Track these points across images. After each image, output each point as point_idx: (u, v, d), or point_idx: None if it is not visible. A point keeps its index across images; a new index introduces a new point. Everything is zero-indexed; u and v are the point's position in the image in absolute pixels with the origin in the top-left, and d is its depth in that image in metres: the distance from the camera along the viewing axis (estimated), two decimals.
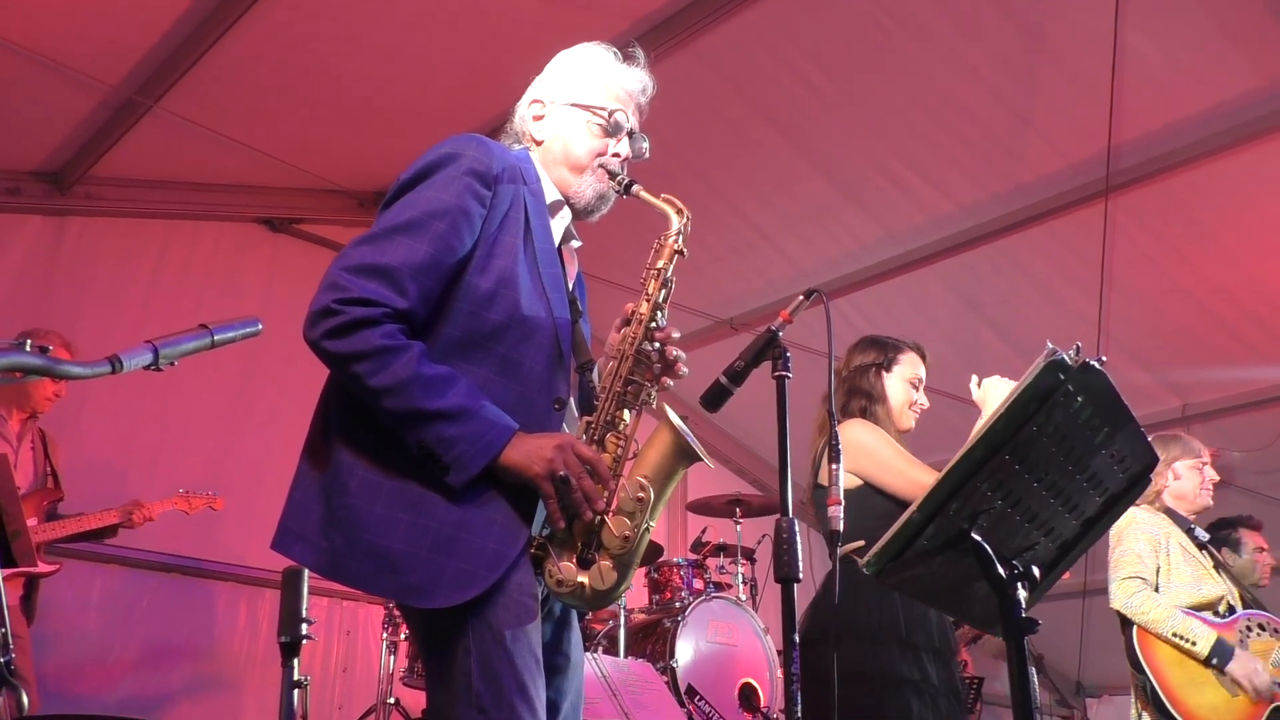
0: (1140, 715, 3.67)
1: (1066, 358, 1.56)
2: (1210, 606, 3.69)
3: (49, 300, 5.15)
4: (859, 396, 3.13)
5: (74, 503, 4.28)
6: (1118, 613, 3.73)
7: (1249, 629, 3.64)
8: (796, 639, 2.02)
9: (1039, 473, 1.64)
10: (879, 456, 2.96)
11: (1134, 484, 1.79)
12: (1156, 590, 3.71)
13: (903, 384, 3.14)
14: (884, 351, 3.18)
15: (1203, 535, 3.88)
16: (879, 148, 5.19)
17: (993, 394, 2.79)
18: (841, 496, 2.14)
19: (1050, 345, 1.56)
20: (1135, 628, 3.65)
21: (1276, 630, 3.64)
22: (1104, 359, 1.61)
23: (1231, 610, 3.71)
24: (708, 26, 4.52)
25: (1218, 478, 4.02)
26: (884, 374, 3.15)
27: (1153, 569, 3.73)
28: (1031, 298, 5.83)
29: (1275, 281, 5.38)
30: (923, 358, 3.22)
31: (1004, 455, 1.59)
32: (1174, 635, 3.57)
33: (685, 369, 1.95)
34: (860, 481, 2.97)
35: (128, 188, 5.40)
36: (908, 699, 2.79)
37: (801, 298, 2.32)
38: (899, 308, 6.12)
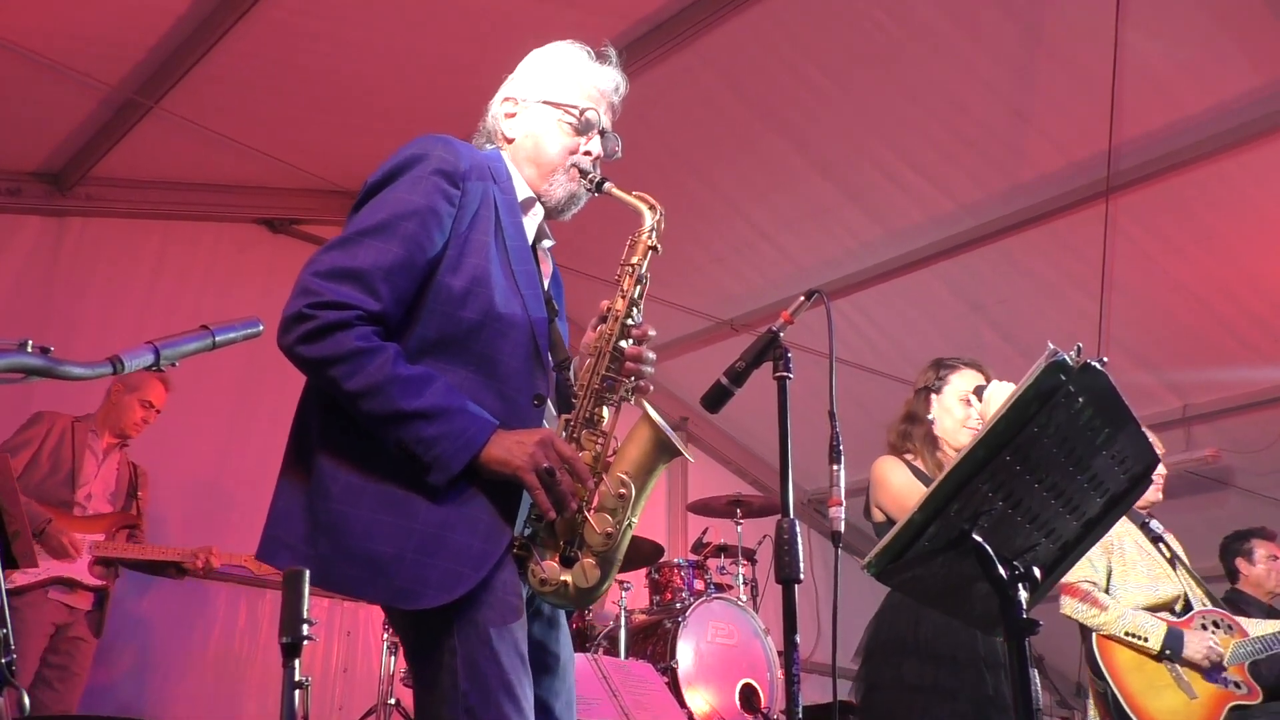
0: None
1: (1068, 358, 1.56)
2: (1167, 606, 3.68)
3: (49, 300, 5.14)
4: (906, 420, 3.22)
5: None
6: (1076, 620, 3.73)
7: (1204, 626, 3.63)
8: (797, 639, 2.02)
9: (1040, 473, 1.64)
10: (888, 491, 3.07)
11: (1135, 484, 1.79)
12: (1108, 593, 3.69)
13: (956, 403, 3.15)
14: (936, 372, 3.22)
15: (1157, 527, 3.84)
16: (880, 147, 5.19)
17: (996, 400, 2.80)
18: (843, 497, 2.14)
19: (1051, 346, 1.55)
20: (1094, 634, 3.65)
21: (1231, 627, 3.63)
22: (1105, 360, 1.61)
23: (1188, 608, 3.69)
24: (708, 26, 4.53)
25: (1164, 470, 3.97)
26: (933, 396, 3.19)
27: (1104, 572, 3.71)
28: (1032, 298, 5.83)
29: (1276, 281, 5.38)
30: (982, 371, 3.20)
31: (1005, 456, 1.59)
32: (1126, 634, 3.56)
33: (651, 385, 1.95)
34: (885, 517, 3.08)
35: (128, 188, 5.41)
36: (913, 704, 2.84)
37: (803, 298, 2.33)
38: (900, 308, 6.12)
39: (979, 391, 2.99)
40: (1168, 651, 3.52)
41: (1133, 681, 3.56)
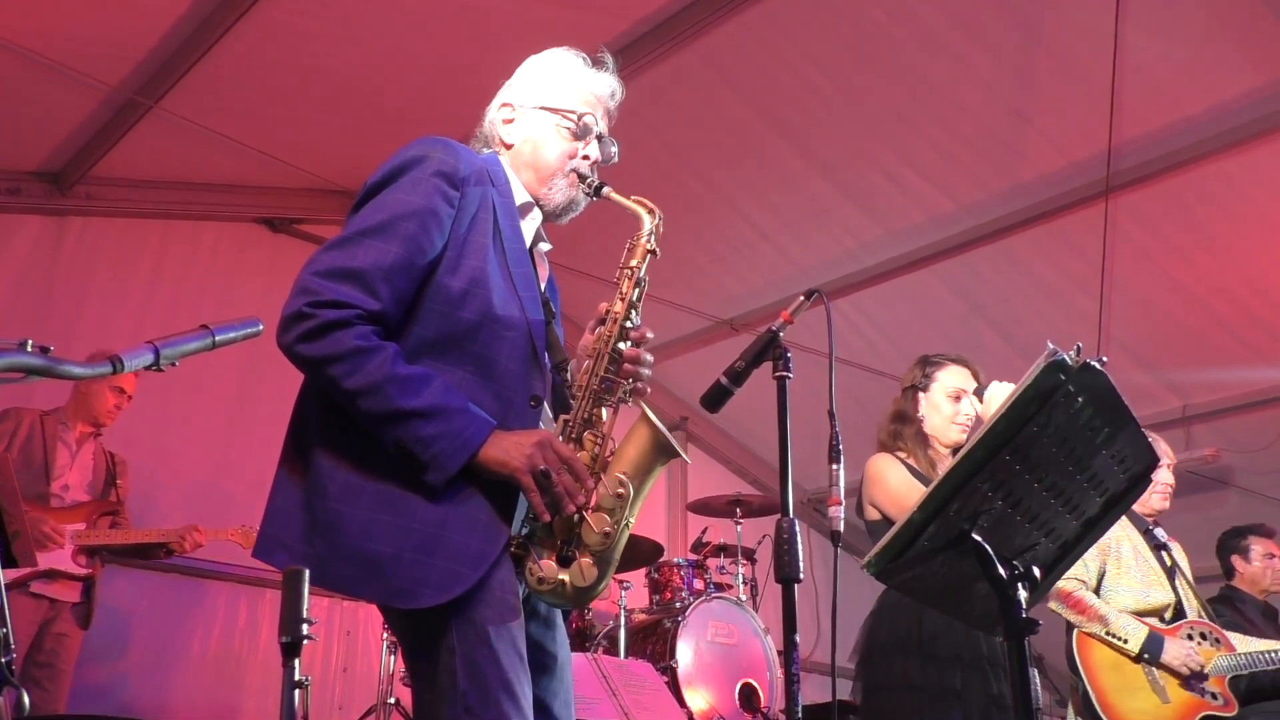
0: None
1: (1067, 358, 1.55)
2: (1156, 613, 3.68)
3: (49, 300, 5.15)
4: (895, 420, 3.23)
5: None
6: (1061, 616, 3.75)
7: (1189, 637, 3.64)
8: (797, 639, 2.02)
9: (1040, 473, 1.64)
10: (885, 489, 3.07)
11: (1135, 484, 1.79)
12: (1097, 593, 3.70)
13: (944, 400, 3.17)
14: (923, 369, 3.24)
15: (1161, 536, 3.85)
16: (880, 147, 5.19)
17: (996, 400, 2.81)
18: (842, 497, 2.15)
19: (1051, 346, 1.55)
20: (1075, 631, 3.65)
21: (1218, 640, 3.64)
22: (1105, 359, 1.61)
23: (1179, 617, 3.69)
24: (708, 26, 4.53)
25: (1173, 481, 4.00)
26: (921, 394, 3.21)
27: (1095, 572, 3.71)
28: (1032, 298, 5.83)
29: (1276, 281, 5.38)
30: (970, 369, 3.22)
31: (1005, 456, 1.59)
32: (1107, 634, 3.57)
33: (649, 388, 1.96)
34: (880, 515, 3.09)
35: (128, 188, 5.41)
36: (920, 704, 2.85)
37: (802, 298, 2.33)
38: (899, 308, 6.12)
39: (979, 392, 2.99)
40: (1145, 655, 3.52)
41: (1107, 680, 3.56)
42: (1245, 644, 3.65)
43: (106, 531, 4.18)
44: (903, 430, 3.19)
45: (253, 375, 5.30)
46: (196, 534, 4.26)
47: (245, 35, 4.36)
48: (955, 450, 3.19)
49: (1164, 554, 3.81)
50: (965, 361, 3.24)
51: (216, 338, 1.65)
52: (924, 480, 3.04)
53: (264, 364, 5.22)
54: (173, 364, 1.57)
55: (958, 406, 3.15)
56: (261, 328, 1.73)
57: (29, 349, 1.40)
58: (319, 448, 1.76)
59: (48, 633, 4.09)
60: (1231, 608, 4.64)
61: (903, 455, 3.17)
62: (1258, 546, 4.85)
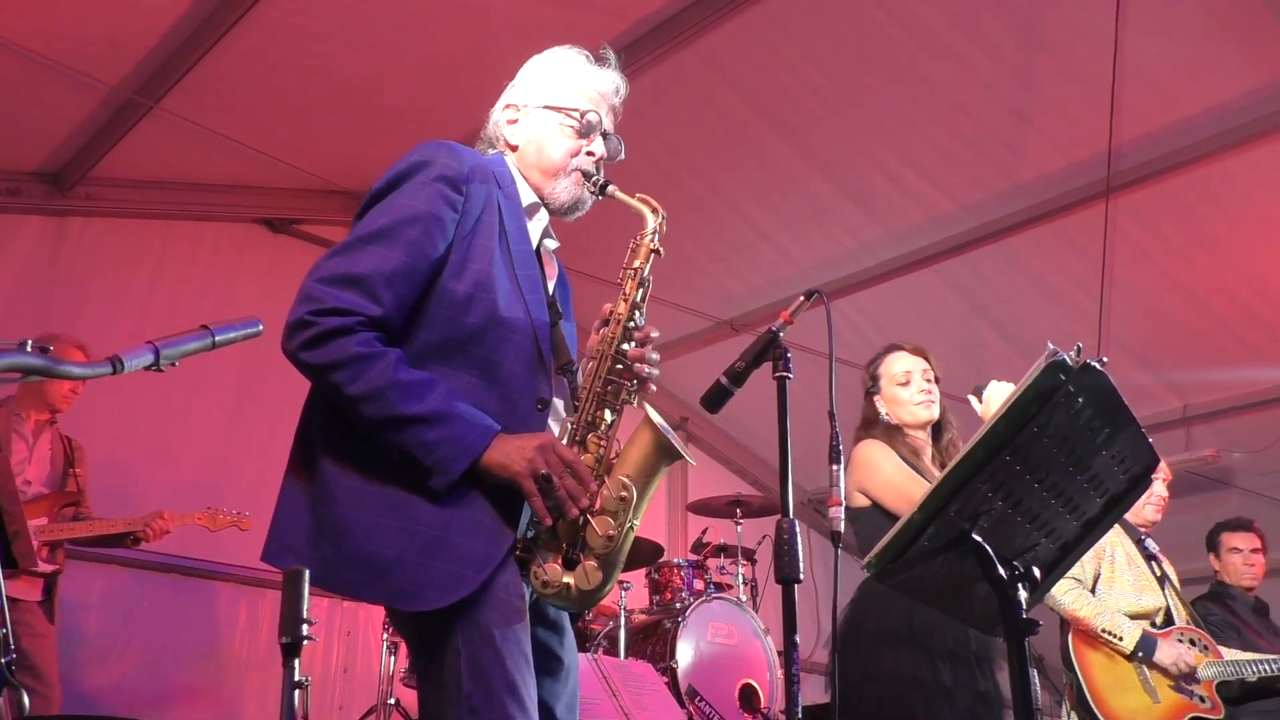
0: (1069, 715, 3.74)
1: (1068, 358, 1.55)
2: (1147, 617, 3.77)
3: (49, 300, 5.14)
4: (864, 426, 3.29)
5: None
6: (1057, 614, 3.79)
7: (1179, 642, 3.73)
8: (797, 639, 2.02)
9: (1040, 473, 1.64)
10: (879, 476, 3.08)
11: (1135, 485, 1.79)
12: (1093, 594, 3.78)
13: (894, 389, 3.24)
14: (868, 373, 3.34)
15: (1152, 547, 3.95)
16: (880, 147, 5.19)
17: (995, 400, 2.81)
18: (842, 497, 2.15)
19: (1051, 346, 1.55)
20: (1072, 629, 3.71)
21: (1206, 647, 3.74)
22: (1105, 360, 1.61)
23: (1169, 623, 3.79)
24: (708, 26, 4.53)
25: (1166, 495, 4.08)
26: (875, 397, 3.29)
27: (1091, 573, 3.81)
28: (1032, 298, 5.83)
29: (1277, 281, 5.38)
30: (906, 350, 3.30)
31: (1005, 456, 1.59)
32: (1103, 631, 3.65)
33: (654, 386, 1.95)
34: (869, 501, 3.08)
35: (128, 188, 5.41)
36: (913, 699, 2.83)
37: (802, 299, 2.33)
38: (900, 308, 6.11)
39: (978, 392, 2.99)
40: (1140, 653, 3.61)
41: (1101, 678, 3.66)
42: (1231, 653, 3.78)
43: (70, 524, 4.07)
44: (873, 432, 3.24)
45: (252, 375, 5.31)
46: (161, 520, 4.14)
47: (245, 35, 4.35)
48: (929, 427, 3.24)
49: (1154, 564, 3.89)
50: (897, 346, 3.33)
51: (216, 338, 1.65)
52: (913, 467, 3.07)
53: (264, 364, 5.24)
54: (173, 364, 1.57)
55: (910, 388, 3.22)
56: (262, 328, 1.73)
57: (29, 349, 1.40)
58: (324, 453, 1.76)
59: (24, 635, 3.93)
60: (1222, 605, 4.66)
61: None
62: (1225, 542, 4.86)
